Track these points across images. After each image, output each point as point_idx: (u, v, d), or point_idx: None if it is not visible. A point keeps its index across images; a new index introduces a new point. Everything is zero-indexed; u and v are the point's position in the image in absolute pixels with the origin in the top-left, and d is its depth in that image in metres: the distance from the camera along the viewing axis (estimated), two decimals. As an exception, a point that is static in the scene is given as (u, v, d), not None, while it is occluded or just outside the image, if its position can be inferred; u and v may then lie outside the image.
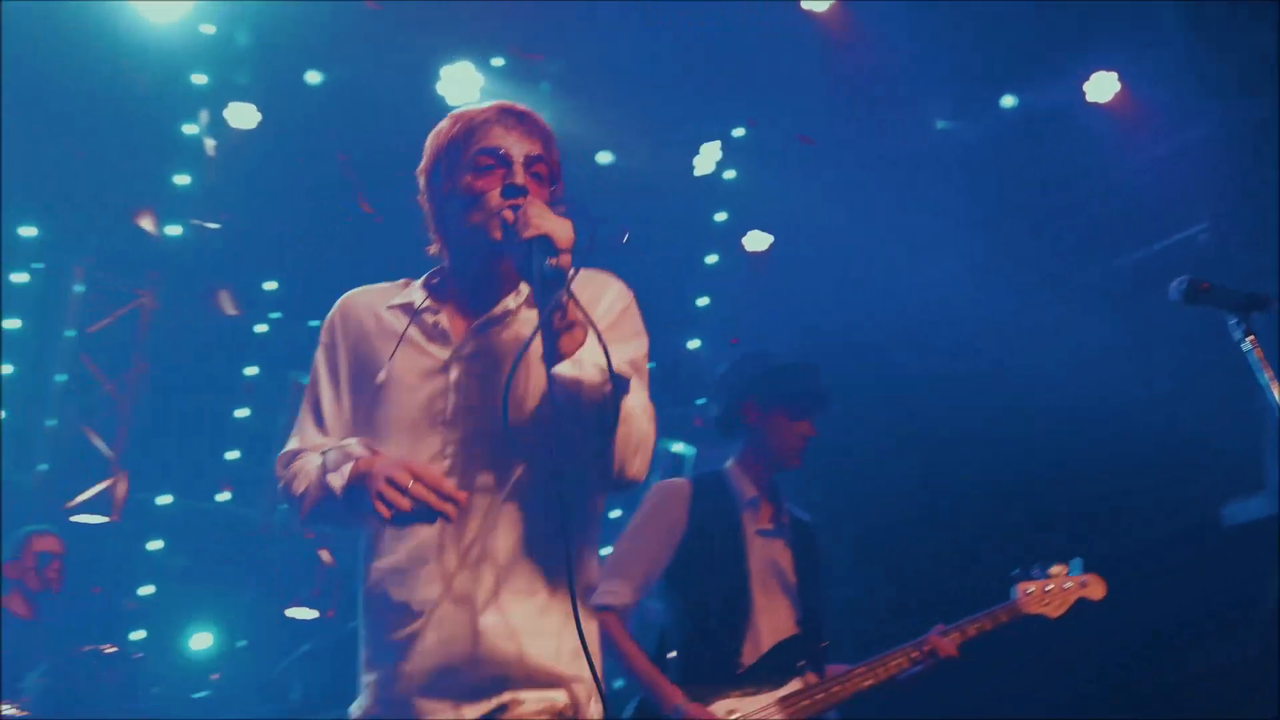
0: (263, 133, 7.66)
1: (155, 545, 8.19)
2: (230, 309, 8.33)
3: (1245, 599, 6.79)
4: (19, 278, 8.08)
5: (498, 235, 2.75)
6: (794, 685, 4.59)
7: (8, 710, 5.79)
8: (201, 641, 7.80)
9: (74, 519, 7.97)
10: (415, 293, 2.99)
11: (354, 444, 2.84)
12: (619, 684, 7.80)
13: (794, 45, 7.65)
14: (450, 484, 2.67)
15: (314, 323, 8.40)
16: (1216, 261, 7.15)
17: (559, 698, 2.81)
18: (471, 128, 2.91)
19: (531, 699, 2.78)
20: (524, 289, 2.90)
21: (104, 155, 7.60)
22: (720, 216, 9.01)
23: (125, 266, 8.27)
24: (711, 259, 9.19)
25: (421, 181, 2.99)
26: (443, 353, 2.87)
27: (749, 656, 4.61)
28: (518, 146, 2.84)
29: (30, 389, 8.11)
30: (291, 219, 8.06)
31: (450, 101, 7.66)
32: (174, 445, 8.39)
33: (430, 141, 2.99)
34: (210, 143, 7.77)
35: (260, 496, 8.60)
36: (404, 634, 2.84)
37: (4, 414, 7.98)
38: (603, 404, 2.64)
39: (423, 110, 7.37)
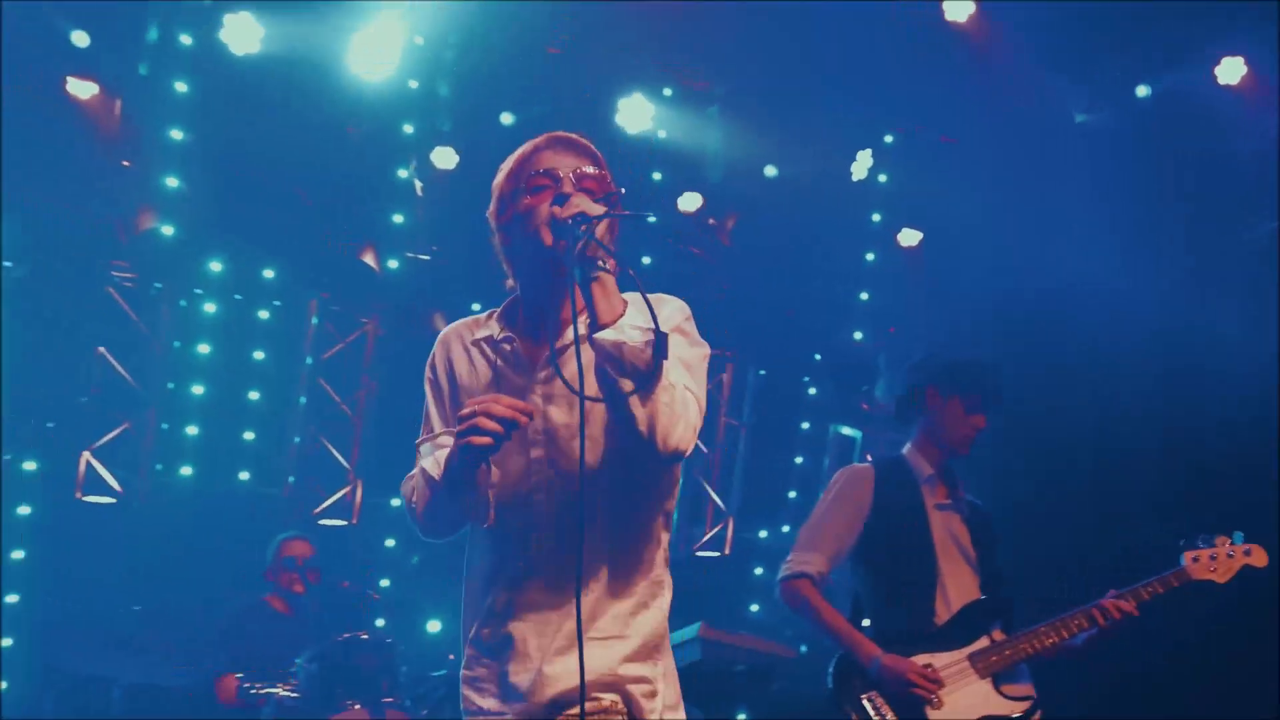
0: (461, 172, 8.04)
1: (390, 543, 8.70)
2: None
3: None
4: (263, 315, 8.62)
5: (549, 240, 2.82)
6: (982, 643, 4.80)
7: (282, 692, 6.20)
8: (434, 626, 8.26)
9: (321, 523, 8.48)
10: (493, 325, 3.04)
11: (443, 437, 2.95)
12: (804, 649, 8.06)
13: (938, 54, 7.82)
14: (507, 398, 2.70)
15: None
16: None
17: (608, 699, 2.90)
18: (525, 157, 3.00)
19: (590, 705, 2.83)
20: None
21: (330, 201, 8.12)
22: (876, 217, 9.26)
23: (352, 299, 8.74)
24: (870, 256, 9.44)
25: (492, 223, 3.07)
26: (522, 379, 2.95)
27: (941, 616, 4.83)
28: (566, 165, 2.92)
29: (276, 411, 8.62)
30: (491, 247, 8.53)
31: (628, 130, 8.08)
32: (400, 454, 8.80)
33: (493, 185, 3.08)
34: (419, 184, 8.22)
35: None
36: (491, 638, 2.98)
37: (252, 435, 8.57)
38: (645, 368, 2.65)
39: (604, 140, 8.07)
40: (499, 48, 7.71)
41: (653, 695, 2.95)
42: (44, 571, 7.69)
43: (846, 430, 9.92)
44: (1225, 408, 7.25)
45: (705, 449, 9.76)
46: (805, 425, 10.02)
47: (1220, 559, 4.80)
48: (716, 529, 9.82)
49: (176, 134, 7.77)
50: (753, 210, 8.93)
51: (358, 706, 6.17)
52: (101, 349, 8.10)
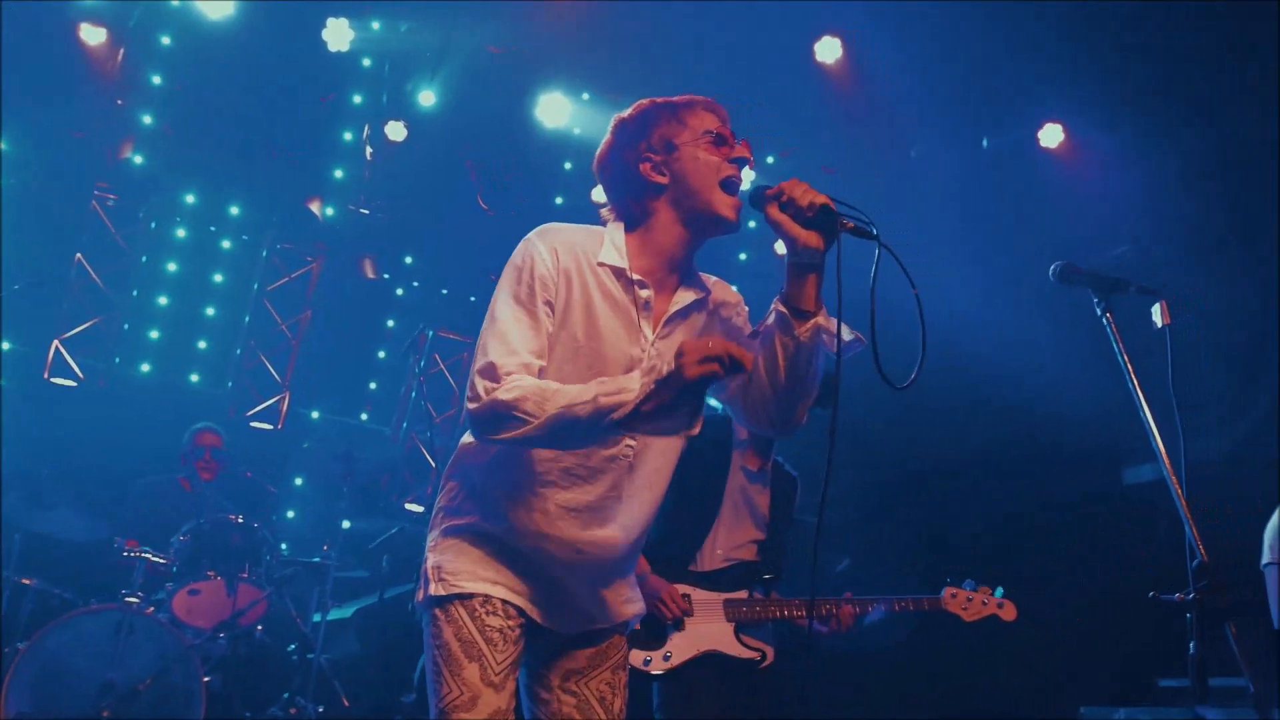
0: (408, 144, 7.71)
1: (306, 445, 8.50)
2: (371, 274, 8.66)
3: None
4: (226, 244, 8.47)
5: (730, 215, 2.58)
6: (740, 594, 4.59)
7: (153, 558, 5.82)
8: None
9: (253, 425, 8.36)
10: (621, 257, 2.64)
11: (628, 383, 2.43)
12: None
13: (808, 91, 7.47)
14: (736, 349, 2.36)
15: (444, 291, 8.55)
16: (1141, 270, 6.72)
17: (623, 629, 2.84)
18: (687, 108, 2.63)
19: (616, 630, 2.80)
20: (708, 281, 2.74)
21: (288, 154, 7.96)
22: (742, 256, 8.65)
23: (300, 239, 8.60)
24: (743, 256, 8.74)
25: (624, 161, 2.64)
26: (647, 324, 2.60)
27: (705, 562, 4.60)
28: (728, 128, 2.64)
29: (227, 327, 8.50)
30: (428, 208, 8.29)
31: (546, 124, 7.61)
32: (329, 373, 8.67)
33: (633, 122, 2.66)
34: (369, 149, 7.89)
35: (390, 414, 8.96)
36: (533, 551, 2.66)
37: (205, 344, 8.42)
38: (819, 360, 2.54)
39: (524, 129, 7.70)
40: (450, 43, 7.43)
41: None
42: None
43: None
44: (1020, 417, 6.89)
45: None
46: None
47: (974, 604, 4.73)
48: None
49: (156, 79, 7.64)
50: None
51: (217, 578, 5.86)
52: (79, 255, 7.99)
